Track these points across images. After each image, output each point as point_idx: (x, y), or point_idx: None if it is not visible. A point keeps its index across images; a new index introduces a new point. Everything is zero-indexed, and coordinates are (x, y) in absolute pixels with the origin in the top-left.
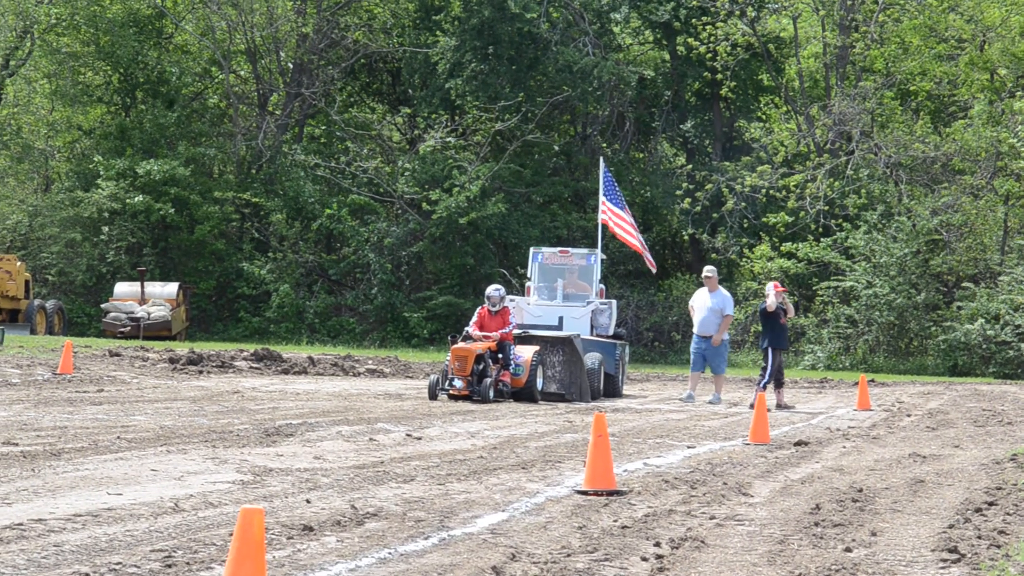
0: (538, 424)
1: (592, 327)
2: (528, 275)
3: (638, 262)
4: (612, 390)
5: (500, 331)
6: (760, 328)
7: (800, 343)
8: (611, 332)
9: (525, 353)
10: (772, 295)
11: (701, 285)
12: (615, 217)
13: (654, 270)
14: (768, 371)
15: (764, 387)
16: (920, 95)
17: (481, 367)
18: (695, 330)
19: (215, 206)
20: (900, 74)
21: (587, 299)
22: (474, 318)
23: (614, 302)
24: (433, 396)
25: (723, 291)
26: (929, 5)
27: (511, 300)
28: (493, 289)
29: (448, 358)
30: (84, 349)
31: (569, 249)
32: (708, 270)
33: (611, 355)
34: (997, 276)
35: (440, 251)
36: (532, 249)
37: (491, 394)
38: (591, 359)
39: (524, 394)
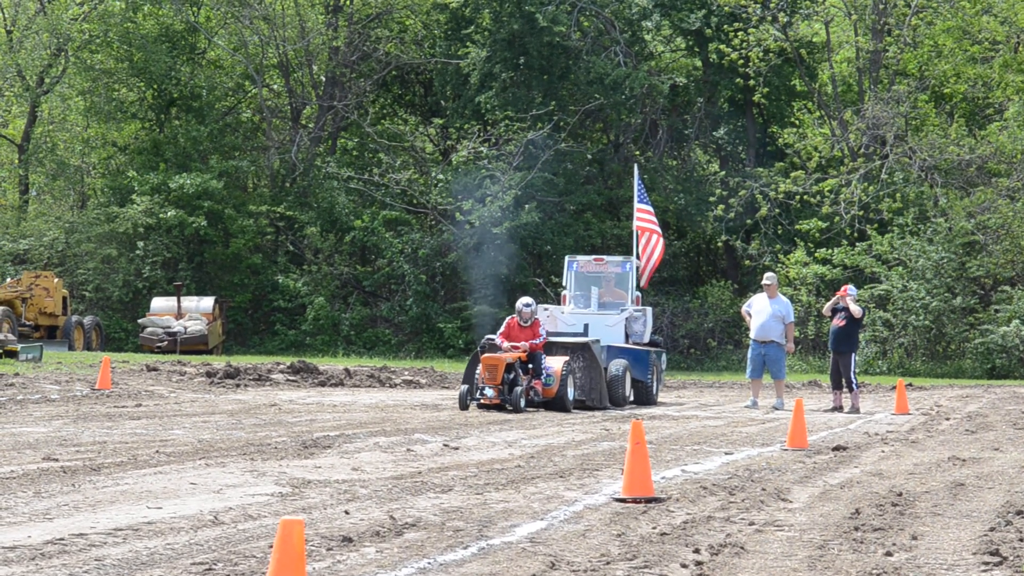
0: (575, 432)
1: (627, 335)
2: (563, 283)
3: (672, 269)
4: (645, 398)
5: (530, 341)
6: (835, 331)
7: None
8: (646, 339)
9: (555, 364)
10: (852, 303)
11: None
12: (650, 216)
13: (643, 284)
14: (854, 373)
15: (856, 388)
16: (954, 98)
17: (512, 376)
18: (753, 335)
19: (250, 220)
20: (934, 77)
21: (622, 307)
22: (501, 328)
23: (649, 309)
24: (464, 406)
25: (783, 298)
26: (962, 7)
27: (544, 309)
28: (523, 304)
29: (479, 370)
30: (122, 364)
31: (604, 257)
32: (768, 277)
33: (643, 362)
34: None
35: (474, 261)
36: (567, 257)
37: (522, 403)
38: (616, 366)
39: (555, 404)
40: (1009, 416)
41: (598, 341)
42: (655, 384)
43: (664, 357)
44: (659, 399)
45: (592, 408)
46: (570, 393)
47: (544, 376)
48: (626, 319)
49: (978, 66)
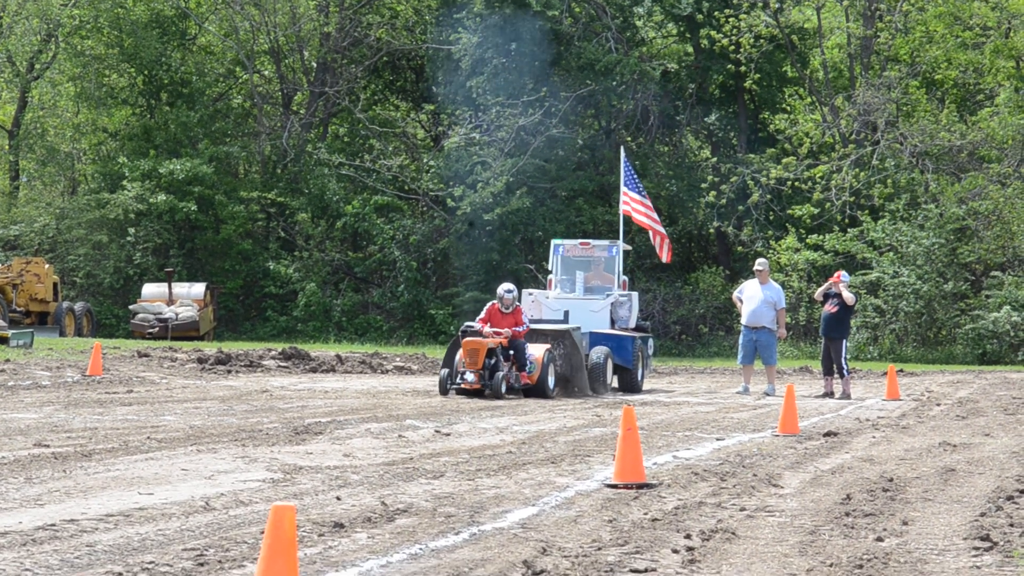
0: (567, 419)
1: (612, 320)
2: (550, 268)
3: None
4: (629, 384)
5: (512, 328)
6: (827, 317)
7: None
8: (631, 325)
9: (537, 352)
10: (845, 289)
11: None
12: (637, 205)
13: (665, 260)
14: (845, 359)
15: (847, 374)
16: (945, 83)
17: (493, 362)
18: (744, 321)
19: (240, 206)
20: (925, 63)
21: (607, 292)
22: (482, 314)
23: (635, 294)
24: (444, 391)
25: (775, 284)
26: None
27: (529, 294)
28: (505, 290)
29: (459, 355)
30: (113, 350)
31: (590, 241)
32: (760, 263)
33: (628, 348)
34: None
35: (465, 247)
36: (553, 241)
37: (503, 388)
38: (597, 353)
39: (536, 391)
40: (1000, 402)
41: (579, 328)
42: (640, 370)
43: (651, 343)
44: (650, 385)
45: (573, 397)
46: (551, 381)
47: (528, 365)
48: (611, 304)
49: (969, 52)
